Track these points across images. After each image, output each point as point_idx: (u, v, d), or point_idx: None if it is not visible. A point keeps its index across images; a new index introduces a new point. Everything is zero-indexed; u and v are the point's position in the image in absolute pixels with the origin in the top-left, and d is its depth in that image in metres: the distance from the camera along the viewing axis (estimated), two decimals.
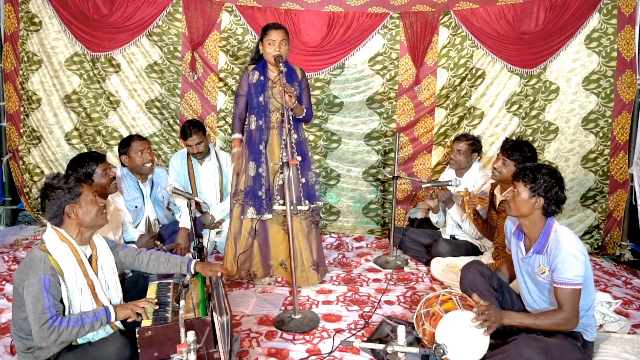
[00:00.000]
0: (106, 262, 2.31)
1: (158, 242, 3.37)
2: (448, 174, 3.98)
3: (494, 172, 3.21)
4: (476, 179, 3.72)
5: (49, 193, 2.15)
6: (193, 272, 2.49)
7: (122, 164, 3.48)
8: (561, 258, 2.21)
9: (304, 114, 3.29)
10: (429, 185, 3.68)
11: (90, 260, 2.25)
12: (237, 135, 3.39)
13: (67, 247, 2.15)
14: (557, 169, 2.44)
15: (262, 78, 3.26)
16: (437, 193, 3.59)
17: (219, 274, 2.45)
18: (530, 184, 2.29)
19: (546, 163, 4.32)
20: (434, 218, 3.90)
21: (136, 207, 3.49)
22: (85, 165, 2.95)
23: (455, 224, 3.66)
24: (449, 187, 3.56)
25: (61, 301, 2.10)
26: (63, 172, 4.38)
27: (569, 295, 2.21)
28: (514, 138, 3.34)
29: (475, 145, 3.74)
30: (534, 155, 3.15)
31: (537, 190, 2.28)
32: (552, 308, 2.34)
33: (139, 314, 2.20)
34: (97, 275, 2.23)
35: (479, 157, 3.81)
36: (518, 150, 3.09)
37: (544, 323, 2.25)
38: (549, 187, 2.26)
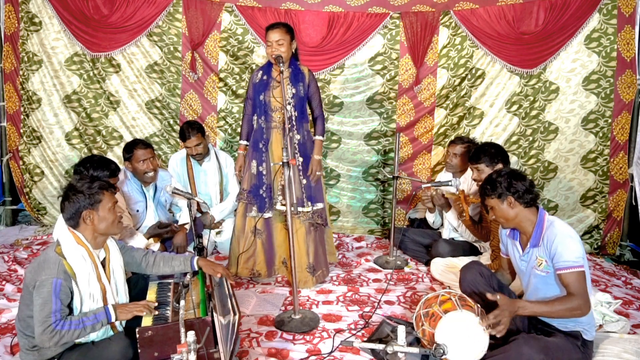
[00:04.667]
0: (117, 264, 2.33)
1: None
2: (444, 177, 3.96)
3: (477, 184, 3.28)
4: (472, 181, 3.70)
5: (70, 195, 2.16)
6: (197, 268, 2.50)
7: (126, 168, 3.49)
8: (559, 241, 2.23)
9: (323, 136, 3.43)
10: (429, 185, 3.68)
11: (103, 263, 2.26)
12: (243, 142, 3.47)
13: (84, 250, 2.16)
14: (506, 167, 2.49)
15: (265, 77, 3.27)
16: (433, 197, 3.60)
17: (219, 275, 2.46)
18: (493, 193, 2.39)
19: (546, 163, 4.35)
20: (430, 218, 3.93)
21: (138, 210, 3.49)
22: (97, 171, 2.93)
23: (452, 227, 3.67)
24: (448, 187, 3.57)
25: (69, 305, 2.11)
26: (64, 172, 4.48)
27: (575, 278, 2.20)
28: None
29: (471, 148, 3.73)
30: (498, 150, 3.25)
31: (502, 194, 2.36)
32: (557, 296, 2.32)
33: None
34: (109, 279, 2.24)
35: None
36: (482, 152, 3.23)
37: (558, 309, 2.22)
38: (508, 184, 2.35)
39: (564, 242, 2.22)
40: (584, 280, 2.23)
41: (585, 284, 2.23)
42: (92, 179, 2.23)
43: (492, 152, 3.21)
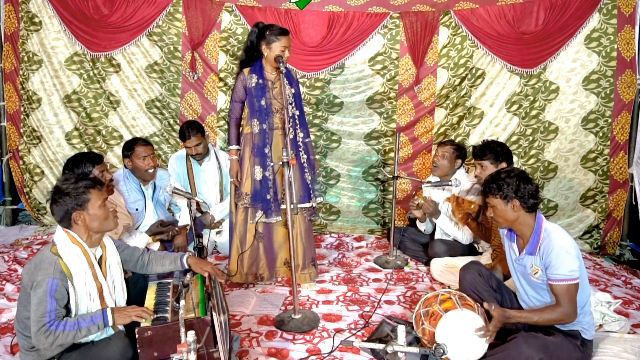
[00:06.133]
0: (114, 262, 2.32)
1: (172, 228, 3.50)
2: (432, 180, 3.93)
3: (478, 180, 3.28)
4: (462, 183, 3.68)
5: (56, 198, 2.15)
6: (186, 266, 2.49)
7: (125, 166, 3.49)
8: (554, 255, 2.24)
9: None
10: (428, 185, 3.68)
11: (100, 261, 2.25)
12: (234, 147, 3.35)
13: (79, 249, 2.15)
14: (514, 167, 2.48)
15: (260, 81, 3.22)
16: (422, 205, 3.59)
17: (206, 274, 2.45)
18: (499, 193, 2.35)
19: (546, 163, 4.35)
20: (421, 227, 3.94)
21: (137, 209, 3.49)
22: (81, 166, 2.95)
23: (443, 232, 3.66)
24: (448, 186, 3.57)
25: (66, 306, 2.10)
26: (65, 173, 4.46)
27: (565, 291, 2.23)
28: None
29: (459, 152, 3.71)
30: (504, 149, 3.25)
31: (507, 195, 2.33)
32: (547, 305, 2.35)
33: None
34: (105, 277, 2.24)
35: (462, 164, 3.77)
36: (487, 149, 3.23)
37: (545, 318, 2.28)
38: (516, 186, 2.32)
39: (559, 257, 2.23)
40: (575, 291, 2.24)
41: (575, 295, 2.24)
42: (77, 178, 2.20)
43: (498, 151, 3.22)
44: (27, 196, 4.59)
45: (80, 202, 2.14)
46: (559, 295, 2.24)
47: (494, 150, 3.22)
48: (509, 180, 2.33)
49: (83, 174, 2.88)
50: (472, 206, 3.37)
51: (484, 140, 3.40)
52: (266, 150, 3.26)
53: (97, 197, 2.19)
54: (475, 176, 3.32)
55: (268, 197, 3.27)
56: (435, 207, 3.58)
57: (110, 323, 2.14)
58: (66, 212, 2.13)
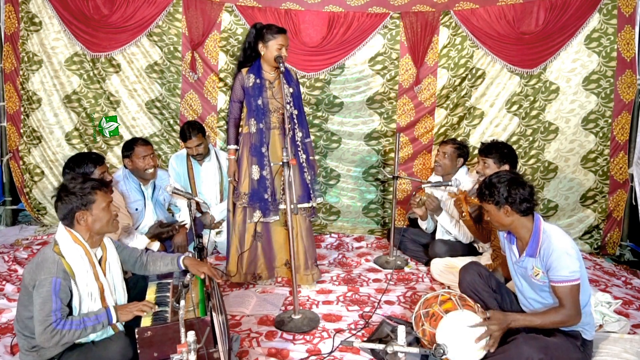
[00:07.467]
0: (114, 262, 2.33)
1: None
2: (433, 179, 3.93)
3: (478, 177, 3.28)
4: (464, 182, 3.68)
5: (62, 196, 2.15)
6: (183, 267, 2.50)
7: (125, 166, 3.49)
8: (555, 257, 2.24)
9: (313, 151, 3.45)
10: (428, 185, 3.68)
11: (100, 262, 2.26)
12: (233, 147, 3.36)
13: (81, 249, 2.15)
14: (506, 171, 2.50)
15: (258, 81, 3.22)
16: (425, 202, 3.59)
17: (203, 275, 2.44)
18: (491, 199, 2.36)
19: (546, 163, 4.35)
20: (423, 225, 3.93)
21: (137, 209, 3.48)
22: (83, 166, 2.95)
23: (445, 230, 3.66)
24: (449, 187, 3.57)
25: (69, 304, 2.10)
26: (65, 172, 4.46)
27: (568, 292, 2.23)
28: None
29: (461, 150, 3.71)
30: (510, 152, 3.26)
31: (499, 201, 2.34)
32: (549, 307, 2.35)
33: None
34: (106, 277, 2.24)
35: (464, 163, 3.77)
36: (494, 148, 3.24)
37: (549, 321, 2.27)
38: (506, 192, 2.32)
39: (560, 258, 2.23)
40: (577, 292, 2.25)
41: (578, 296, 2.25)
42: (84, 179, 2.21)
43: (504, 152, 3.22)
44: (27, 196, 4.59)
45: (86, 202, 2.15)
46: (562, 296, 2.24)
47: (500, 150, 3.22)
48: (500, 186, 2.34)
49: (84, 174, 2.88)
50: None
51: (493, 140, 3.40)
52: (263, 150, 3.26)
53: (103, 199, 2.20)
54: (477, 172, 3.32)
55: (266, 196, 3.27)
56: (437, 203, 3.58)
57: (115, 320, 2.15)
58: (70, 210, 2.14)
